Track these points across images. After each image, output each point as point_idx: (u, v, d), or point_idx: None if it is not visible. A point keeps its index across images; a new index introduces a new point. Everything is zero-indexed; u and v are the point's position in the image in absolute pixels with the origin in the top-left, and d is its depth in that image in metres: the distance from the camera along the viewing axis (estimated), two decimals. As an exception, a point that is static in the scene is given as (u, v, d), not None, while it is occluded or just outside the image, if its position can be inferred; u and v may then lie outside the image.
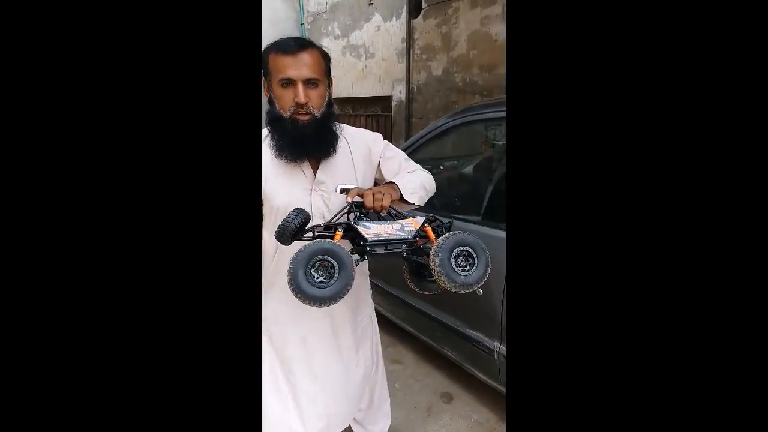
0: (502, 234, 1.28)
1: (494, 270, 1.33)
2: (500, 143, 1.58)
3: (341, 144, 0.94)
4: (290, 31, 5.17)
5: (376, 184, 1.03)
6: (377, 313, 1.26)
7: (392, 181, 0.90)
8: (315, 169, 0.92)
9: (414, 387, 1.76)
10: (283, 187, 0.91)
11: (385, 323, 1.37)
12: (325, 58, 0.88)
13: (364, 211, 0.80)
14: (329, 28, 4.74)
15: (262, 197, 0.94)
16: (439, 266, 0.71)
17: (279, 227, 0.74)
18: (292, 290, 0.66)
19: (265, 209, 0.95)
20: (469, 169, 1.89)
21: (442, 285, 0.73)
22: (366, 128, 1.07)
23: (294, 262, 0.66)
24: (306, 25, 5.09)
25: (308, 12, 5.05)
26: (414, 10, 3.65)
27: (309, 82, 0.84)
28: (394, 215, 0.82)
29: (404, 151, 1.74)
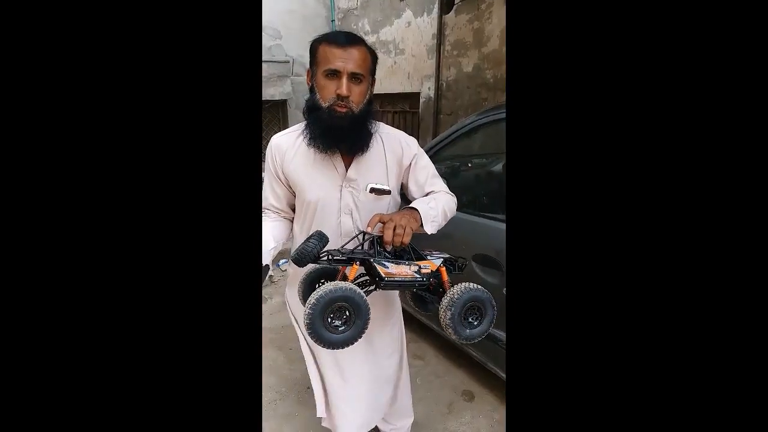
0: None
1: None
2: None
3: (376, 143, 0.93)
4: (321, 27, 5.22)
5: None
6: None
7: (414, 207, 0.88)
8: (347, 166, 0.93)
9: (434, 383, 1.76)
10: (315, 181, 0.92)
11: (407, 319, 1.38)
12: (373, 56, 0.89)
13: (381, 244, 0.78)
14: (359, 24, 4.76)
15: (296, 190, 0.96)
16: (449, 319, 0.74)
17: (299, 252, 0.74)
18: (309, 334, 0.67)
19: (298, 203, 0.97)
20: (498, 167, 1.86)
21: (447, 335, 0.77)
22: (392, 125, 1.07)
23: (313, 307, 0.66)
24: (336, 22, 5.13)
25: (339, 8, 5.08)
26: (446, 5, 3.61)
27: (353, 77, 0.84)
28: (413, 253, 0.81)
29: (431, 149, 1.75)
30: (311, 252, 0.73)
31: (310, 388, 1.21)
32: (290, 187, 0.96)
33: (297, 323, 1.11)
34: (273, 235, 0.94)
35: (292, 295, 1.05)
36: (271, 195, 0.98)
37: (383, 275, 0.74)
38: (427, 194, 0.99)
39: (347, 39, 0.84)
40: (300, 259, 0.74)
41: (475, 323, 0.78)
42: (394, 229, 0.76)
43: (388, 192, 0.95)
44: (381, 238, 0.77)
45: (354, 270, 0.75)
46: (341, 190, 0.93)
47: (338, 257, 0.76)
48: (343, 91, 0.83)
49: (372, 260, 0.75)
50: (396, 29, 4.23)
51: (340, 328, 0.69)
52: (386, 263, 0.75)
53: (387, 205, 0.97)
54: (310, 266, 0.81)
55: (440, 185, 1.01)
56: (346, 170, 0.93)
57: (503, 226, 1.43)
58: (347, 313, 0.69)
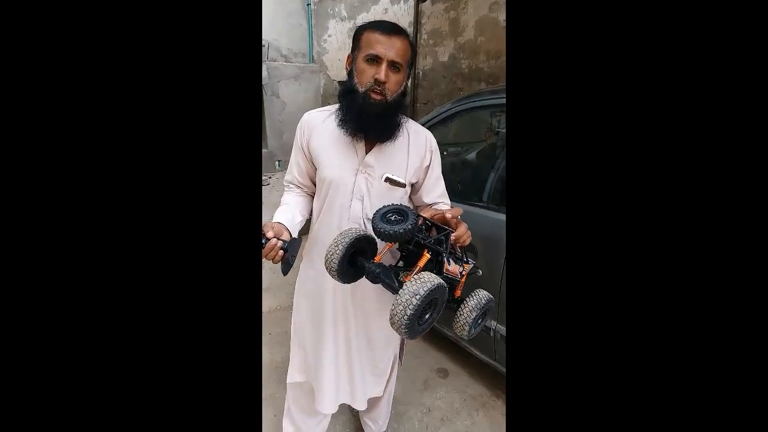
0: (504, 217, 1.38)
1: (493, 250, 1.39)
2: (504, 130, 1.62)
3: (402, 136, 0.95)
4: (297, 11, 5.10)
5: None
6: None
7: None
8: (368, 152, 0.94)
9: (412, 363, 1.84)
10: (334, 160, 0.94)
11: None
12: (412, 48, 0.91)
13: (449, 242, 0.80)
14: (336, 9, 4.69)
15: (316, 166, 0.97)
16: (471, 319, 0.80)
17: (396, 232, 0.72)
18: (405, 324, 0.65)
19: (317, 179, 0.99)
20: (472, 155, 1.93)
21: (460, 331, 0.82)
22: None
23: (422, 299, 0.64)
24: (312, 6, 5.03)
25: (315, -8, 4.98)
26: (422, -7, 3.61)
27: (392, 65, 0.86)
28: (463, 258, 0.85)
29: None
30: (409, 233, 0.72)
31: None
32: (312, 162, 0.99)
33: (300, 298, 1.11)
34: (300, 209, 0.98)
35: (310, 271, 1.06)
36: (295, 168, 1.02)
37: (444, 270, 0.78)
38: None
39: (392, 28, 0.87)
40: (398, 238, 0.73)
41: (479, 323, 0.86)
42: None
43: (403, 185, 0.96)
44: (449, 233, 0.79)
45: (425, 259, 0.76)
46: (356, 174, 0.94)
47: (419, 243, 0.77)
48: (382, 76, 0.85)
49: (443, 255, 0.78)
50: (373, 15, 4.20)
51: (425, 317, 0.70)
52: (451, 260, 0.80)
53: (400, 197, 0.98)
54: (347, 240, 0.81)
55: (447, 201, 1.06)
56: (366, 155, 0.94)
57: (478, 210, 1.50)
58: (434, 305, 0.70)
